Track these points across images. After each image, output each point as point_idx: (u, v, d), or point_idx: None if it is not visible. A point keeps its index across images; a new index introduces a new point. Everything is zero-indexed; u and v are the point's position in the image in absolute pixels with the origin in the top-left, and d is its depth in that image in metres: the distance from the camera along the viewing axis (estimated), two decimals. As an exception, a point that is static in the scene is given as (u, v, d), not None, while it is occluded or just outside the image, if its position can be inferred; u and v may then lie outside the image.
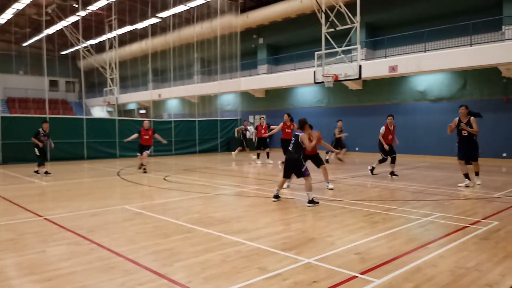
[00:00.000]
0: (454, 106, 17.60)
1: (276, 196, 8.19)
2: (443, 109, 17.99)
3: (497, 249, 4.92)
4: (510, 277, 4.02)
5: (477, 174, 10.11)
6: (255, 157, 17.09)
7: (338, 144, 16.23)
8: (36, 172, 12.94)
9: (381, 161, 12.16)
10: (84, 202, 8.40)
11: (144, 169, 13.64)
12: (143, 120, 22.12)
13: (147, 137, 13.76)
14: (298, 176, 8.08)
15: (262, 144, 16.74)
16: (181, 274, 4.16)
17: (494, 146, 16.24)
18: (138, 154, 13.80)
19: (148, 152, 13.61)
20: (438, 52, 17.27)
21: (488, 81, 16.85)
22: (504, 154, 16.25)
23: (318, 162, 9.73)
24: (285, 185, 9.76)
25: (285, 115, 14.03)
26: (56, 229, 6.08)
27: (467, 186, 9.77)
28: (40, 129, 12.93)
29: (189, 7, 26.76)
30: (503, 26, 16.41)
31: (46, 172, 12.91)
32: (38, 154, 12.91)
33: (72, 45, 30.92)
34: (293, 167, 8.04)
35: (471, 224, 6.16)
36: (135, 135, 13.99)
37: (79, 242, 5.37)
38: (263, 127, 16.55)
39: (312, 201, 7.71)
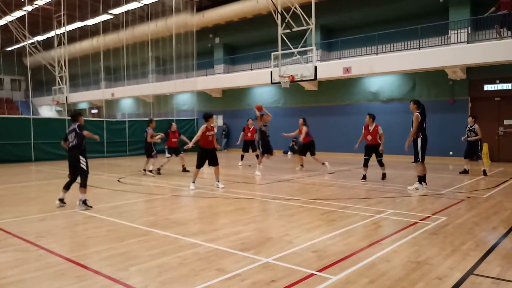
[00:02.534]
0: (404, 106, 18.32)
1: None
2: (394, 109, 18.68)
3: (445, 244, 5.15)
4: (458, 269, 4.22)
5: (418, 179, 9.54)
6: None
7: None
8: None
9: (363, 164, 11.26)
10: (32, 206, 7.99)
11: (160, 169, 13.46)
12: (95, 120, 21.56)
13: (175, 139, 13.70)
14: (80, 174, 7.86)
15: (249, 147, 15.32)
16: (137, 278, 4.05)
17: (442, 145, 17.04)
18: (169, 155, 13.72)
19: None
20: (389, 55, 17.90)
21: (435, 83, 17.67)
22: (451, 153, 17.09)
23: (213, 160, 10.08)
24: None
25: (301, 120, 14.28)
26: (1, 235, 5.74)
27: (416, 189, 9.39)
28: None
29: (142, 4, 26.14)
30: (449, 31, 17.25)
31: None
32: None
33: (18, 41, 29.34)
34: (76, 160, 7.81)
35: (421, 220, 6.42)
36: (162, 135, 13.61)
37: (27, 248, 5.09)
38: (251, 129, 15.38)
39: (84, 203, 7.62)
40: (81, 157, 7.83)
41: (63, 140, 8.20)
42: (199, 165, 9.97)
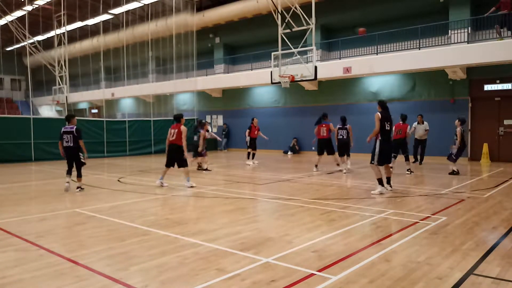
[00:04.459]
0: (405, 107, 18.37)
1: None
2: (394, 109, 18.38)
3: (445, 243, 5.15)
4: (458, 269, 4.22)
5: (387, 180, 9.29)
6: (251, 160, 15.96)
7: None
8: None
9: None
10: (32, 206, 7.99)
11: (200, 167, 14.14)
12: (95, 120, 21.53)
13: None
14: (77, 166, 9.68)
15: (254, 145, 15.89)
16: (137, 278, 4.05)
17: (442, 145, 17.04)
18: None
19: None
20: (389, 55, 17.89)
21: (435, 83, 17.67)
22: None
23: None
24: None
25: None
26: (1, 234, 5.74)
27: (380, 193, 8.91)
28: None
29: (142, 4, 26.14)
30: (449, 31, 17.24)
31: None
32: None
33: (18, 41, 29.34)
34: (75, 156, 9.59)
35: (421, 220, 6.42)
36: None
37: (27, 248, 5.09)
38: (257, 127, 15.88)
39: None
40: (80, 154, 9.55)
41: (60, 140, 9.59)
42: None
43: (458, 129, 11.98)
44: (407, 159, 12.95)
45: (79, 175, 9.65)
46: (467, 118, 16.60)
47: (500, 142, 16.58)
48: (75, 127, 9.52)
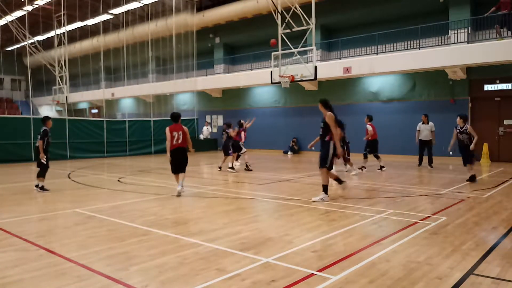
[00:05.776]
0: (405, 107, 18.40)
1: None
2: (394, 109, 18.69)
3: (445, 243, 5.15)
4: (458, 269, 4.22)
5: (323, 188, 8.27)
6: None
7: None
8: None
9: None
10: (32, 206, 8.00)
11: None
12: (95, 120, 21.56)
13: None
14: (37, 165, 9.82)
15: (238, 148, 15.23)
16: (137, 278, 4.05)
17: (442, 145, 17.04)
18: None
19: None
20: (389, 55, 17.89)
21: (435, 83, 17.67)
22: (451, 153, 17.05)
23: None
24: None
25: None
26: (1, 234, 5.75)
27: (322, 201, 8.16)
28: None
29: (142, 4, 26.15)
30: (449, 31, 17.24)
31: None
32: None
33: (18, 41, 29.34)
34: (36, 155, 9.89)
35: (421, 220, 6.42)
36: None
37: (27, 248, 5.09)
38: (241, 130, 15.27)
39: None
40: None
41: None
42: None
43: (469, 127, 10.60)
44: (365, 157, 13.71)
45: (38, 174, 9.78)
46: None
47: (500, 142, 16.58)
48: (43, 127, 9.97)
